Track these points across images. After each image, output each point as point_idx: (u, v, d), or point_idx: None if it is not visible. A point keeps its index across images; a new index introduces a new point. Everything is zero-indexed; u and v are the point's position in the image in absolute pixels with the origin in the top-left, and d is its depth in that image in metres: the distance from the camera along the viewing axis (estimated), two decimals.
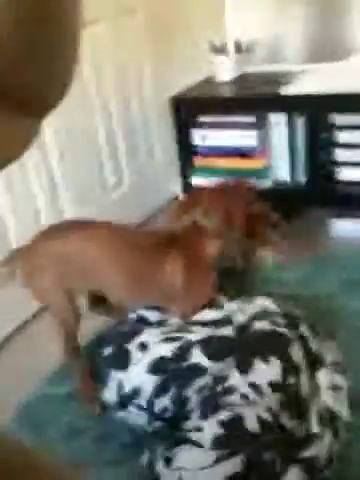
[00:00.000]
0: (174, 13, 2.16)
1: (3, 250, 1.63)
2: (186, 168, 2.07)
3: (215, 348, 1.15)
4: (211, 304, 1.42)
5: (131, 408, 1.20)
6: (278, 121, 1.92)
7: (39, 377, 1.47)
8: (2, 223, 1.62)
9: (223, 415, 1.03)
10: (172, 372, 1.16)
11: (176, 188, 2.51)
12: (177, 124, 2.00)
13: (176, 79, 2.24)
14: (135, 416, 1.21)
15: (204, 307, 1.37)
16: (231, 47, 2.03)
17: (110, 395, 1.24)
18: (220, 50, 2.04)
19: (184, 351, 1.17)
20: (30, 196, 1.70)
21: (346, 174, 1.89)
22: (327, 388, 1.15)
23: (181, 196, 2.16)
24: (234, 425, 1.02)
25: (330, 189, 1.92)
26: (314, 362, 1.17)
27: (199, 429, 1.03)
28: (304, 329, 1.22)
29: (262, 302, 1.30)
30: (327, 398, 1.13)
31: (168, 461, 1.03)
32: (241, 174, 1.96)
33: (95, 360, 1.29)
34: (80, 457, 1.22)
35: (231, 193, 1.37)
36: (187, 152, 2.04)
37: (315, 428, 1.07)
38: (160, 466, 1.04)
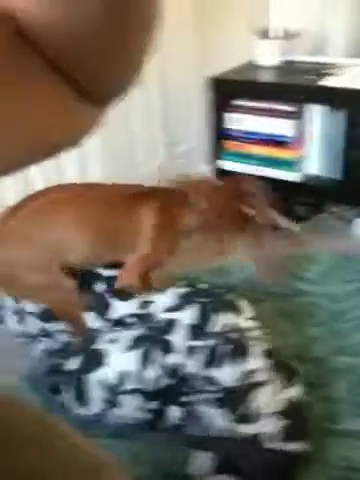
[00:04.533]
0: None
1: None
2: (216, 152, 2.03)
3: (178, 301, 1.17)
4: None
5: (121, 398, 1.13)
6: (317, 113, 1.87)
7: None
8: None
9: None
10: (152, 338, 1.13)
11: (206, 172, 2.48)
12: (212, 106, 1.96)
13: (217, 60, 2.20)
14: (129, 404, 1.13)
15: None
16: (274, 33, 1.98)
17: (95, 402, 1.16)
18: (263, 35, 2.00)
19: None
20: (60, 170, 1.71)
21: None
22: None
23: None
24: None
25: None
26: None
27: (258, 370, 1.09)
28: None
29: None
30: None
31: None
32: (272, 163, 1.92)
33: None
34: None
35: (227, 189, 1.40)
36: (219, 135, 2.00)
37: None
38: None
